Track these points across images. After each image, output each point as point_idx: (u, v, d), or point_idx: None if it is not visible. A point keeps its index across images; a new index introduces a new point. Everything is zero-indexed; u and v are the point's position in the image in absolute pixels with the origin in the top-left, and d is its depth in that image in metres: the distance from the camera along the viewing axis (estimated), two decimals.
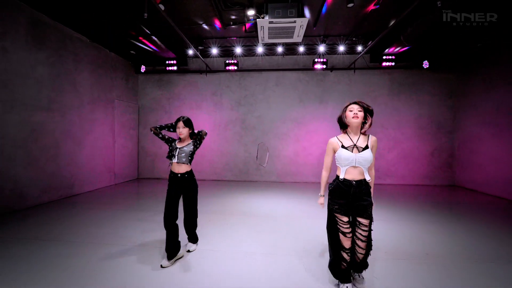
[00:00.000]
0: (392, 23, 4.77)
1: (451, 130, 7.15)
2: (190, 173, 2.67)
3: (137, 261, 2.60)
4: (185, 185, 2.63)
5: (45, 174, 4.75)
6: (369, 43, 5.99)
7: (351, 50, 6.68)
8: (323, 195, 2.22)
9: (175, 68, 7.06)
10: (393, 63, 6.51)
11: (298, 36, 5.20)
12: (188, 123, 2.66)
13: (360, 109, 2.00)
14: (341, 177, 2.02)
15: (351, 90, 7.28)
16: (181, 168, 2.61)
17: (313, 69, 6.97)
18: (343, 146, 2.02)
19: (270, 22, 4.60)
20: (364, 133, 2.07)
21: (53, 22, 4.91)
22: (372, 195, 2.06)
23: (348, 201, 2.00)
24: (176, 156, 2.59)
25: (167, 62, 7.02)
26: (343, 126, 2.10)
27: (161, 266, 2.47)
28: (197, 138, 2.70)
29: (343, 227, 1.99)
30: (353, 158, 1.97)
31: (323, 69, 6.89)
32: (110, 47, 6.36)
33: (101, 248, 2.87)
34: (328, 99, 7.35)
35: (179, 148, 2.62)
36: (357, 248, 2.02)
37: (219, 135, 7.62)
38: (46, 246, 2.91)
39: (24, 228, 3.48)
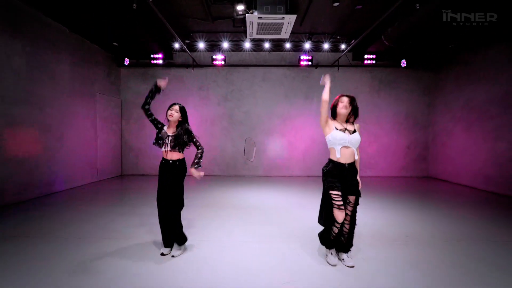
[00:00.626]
0: (374, 23, 5.02)
1: (426, 125, 7.66)
2: (182, 161, 2.59)
3: (132, 253, 2.60)
4: (176, 172, 2.54)
5: (23, 171, 4.51)
6: (352, 41, 6.24)
7: (335, 48, 6.92)
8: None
9: (160, 62, 6.92)
10: (374, 61, 6.84)
11: (285, 32, 5.32)
12: (183, 111, 2.59)
13: (349, 102, 2.33)
14: (335, 158, 2.30)
15: (335, 86, 7.48)
16: (173, 155, 2.53)
17: (299, 65, 7.13)
18: (336, 129, 2.29)
19: (259, 18, 4.66)
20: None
21: (31, 10, 4.63)
22: (358, 174, 2.37)
23: (341, 180, 2.27)
24: (168, 144, 2.51)
25: (152, 55, 6.85)
26: (334, 114, 2.40)
27: (162, 254, 2.50)
28: (187, 134, 2.54)
29: (337, 201, 2.22)
30: (347, 139, 2.25)
31: (308, 65, 7.08)
32: (92, 38, 6.10)
33: (93, 243, 2.83)
34: (313, 96, 7.57)
35: (170, 135, 2.52)
36: (346, 219, 2.32)
37: (206, 130, 7.60)
38: (33, 243, 2.81)
39: (5, 225, 3.32)
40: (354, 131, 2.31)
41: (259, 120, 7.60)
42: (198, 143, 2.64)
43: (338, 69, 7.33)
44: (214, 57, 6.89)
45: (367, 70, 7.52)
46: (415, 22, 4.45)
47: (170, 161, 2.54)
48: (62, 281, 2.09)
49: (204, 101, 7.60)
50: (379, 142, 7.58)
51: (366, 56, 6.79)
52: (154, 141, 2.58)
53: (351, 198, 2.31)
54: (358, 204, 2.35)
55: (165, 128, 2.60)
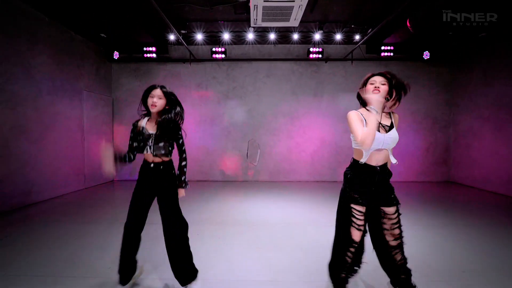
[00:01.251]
0: (397, 7, 4.33)
1: (446, 125, 6.97)
2: (168, 164, 1.94)
3: None
4: (160, 180, 1.90)
5: None
6: (369, 31, 5.54)
7: (348, 39, 6.22)
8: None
9: (154, 55, 6.25)
10: (391, 54, 6.14)
11: (295, 19, 4.63)
12: (168, 95, 1.90)
13: (384, 82, 1.65)
14: (363, 161, 1.69)
15: (347, 82, 6.86)
16: (157, 158, 1.92)
17: (307, 59, 6.45)
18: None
19: (266, 0, 3.98)
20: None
21: None
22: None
23: (371, 190, 1.69)
24: (152, 147, 1.88)
25: (145, 48, 6.18)
26: (363, 102, 1.76)
27: None
28: (169, 124, 1.88)
29: (358, 218, 1.69)
30: (382, 140, 1.63)
31: (318, 59, 6.40)
32: (76, 29, 5.44)
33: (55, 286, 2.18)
34: (323, 92, 6.88)
35: (154, 134, 1.89)
36: (390, 247, 1.72)
37: (205, 131, 6.93)
38: None
39: None
40: (391, 126, 1.69)
41: (264, 120, 6.93)
42: (183, 147, 2.00)
43: (352, 62, 6.63)
44: (213, 49, 6.22)
45: (382, 64, 6.81)
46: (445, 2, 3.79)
47: (152, 165, 1.91)
48: None
49: (203, 99, 6.93)
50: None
51: (383, 48, 6.09)
52: (133, 147, 1.94)
53: (388, 210, 1.70)
54: (400, 213, 1.75)
55: (143, 122, 1.93)
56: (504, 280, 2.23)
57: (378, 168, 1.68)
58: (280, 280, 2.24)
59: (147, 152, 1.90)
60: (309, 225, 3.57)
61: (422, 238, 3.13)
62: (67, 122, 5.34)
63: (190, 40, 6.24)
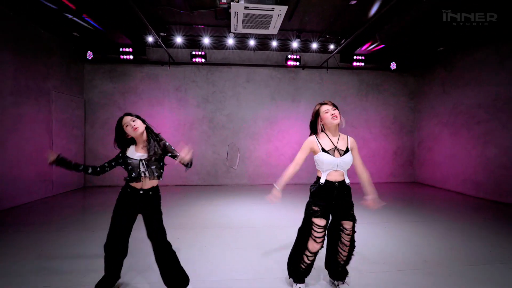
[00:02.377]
0: (368, 21, 4.69)
1: (412, 130, 7.57)
2: (156, 188, 1.96)
3: None
4: (147, 205, 1.91)
5: None
6: (342, 41, 5.92)
7: (323, 48, 6.57)
8: (279, 190, 1.99)
9: (131, 57, 6.09)
10: (362, 64, 6.58)
11: (274, 27, 4.81)
12: (138, 116, 1.94)
13: (334, 108, 1.92)
14: (322, 180, 1.90)
15: (322, 89, 7.20)
16: (148, 184, 1.90)
17: (285, 65, 6.68)
18: (323, 150, 1.89)
19: (246, 8, 4.10)
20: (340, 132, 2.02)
21: None
22: (372, 191, 2.00)
23: (331, 203, 1.91)
24: (147, 171, 1.85)
25: (121, 49, 6.00)
26: (315, 131, 1.99)
27: None
28: (155, 139, 1.94)
29: (317, 231, 1.88)
30: (336, 163, 1.87)
31: (295, 66, 6.66)
32: (44, 25, 5.13)
33: None
34: (301, 98, 7.15)
35: (144, 159, 1.85)
36: (340, 251, 1.99)
37: (184, 135, 6.84)
38: None
39: None
40: (347, 150, 1.91)
41: (243, 124, 7.01)
42: (175, 150, 2.01)
43: (327, 70, 6.99)
44: (193, 53, 6.21)
45: (354, 73, 7.27)
46: (413, 19, 4.18)
47: (141, 191, 1.89)
48: None
49: (181, 103, 6.85)
50: (368, 146, 7.33)
51: (355, 58, 6.51)
52: (129, 177, 1.88)
53: (346, 225, 1.94)
54: (355, 231, 1.99)
55: (128, 152, 1.91)
56: (459, 267, 2.50)
57: (337, 184, 1.88)
58: (262, 277, 2.30)
59: (143, 176, 1.86)
60: (289, 227, 3.68)
61: (391, 233, 3.39)
62: (32, 124, 4.97)
63: (169, 43, 6.17)
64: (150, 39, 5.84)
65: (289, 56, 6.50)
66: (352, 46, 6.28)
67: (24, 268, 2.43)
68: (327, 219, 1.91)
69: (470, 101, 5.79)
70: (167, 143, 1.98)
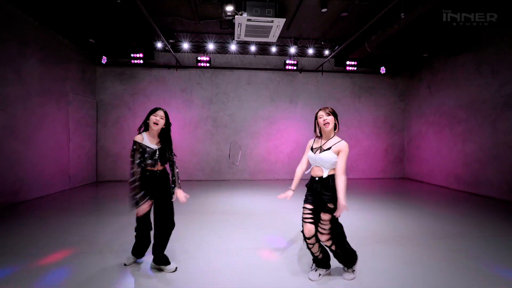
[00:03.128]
0: (358, 31, 5.23)
1: (401, 129, 8.13)
2: (165, 170, 2.34)
3: (123, 269, 2.37)
4: (162, 184, 2.26)
5: None
6: (336, 47, 6.46)
7: (319, 54, 7.10)
8: (293, 190, 2.27)
9: (141, 61, 6.59)
10: (355, 68, 7.13)
11: (273, 36, 5.34)
12: (167, 116, 2.31)
13: (328, 114, 2.11)
14: (306, 172, 2.27)
15: (318, 91, 7.73)
16: (159, 166, 2.27)
17: (284, 69, 7.21)
18: (312, 148, 2.19)
19: (248, 20, 4.63)
20: (337, 136, 2.17)
21: None
22: (341, 197, 1.96)
23: (313, 194, 2.13)
24: (159, 160, 2.22)
25: (132, 55, 6.50)
26: (320, 132, 2.21)
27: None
28: (168, 142, 2.32)
29: (304, 214, 2.13)
30: (314, 158, 2.12)
31: (293, 70, 7.18)
32: (64, 33, 5.63)
33: (72, 259, 2.54)
34: (298, 99, 7.68)
35: (158, 148, 2.23)
36: (320, 237, 2.10)
37: (189, 134, 7.34)
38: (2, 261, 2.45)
39: None
40: (328, 149, 2.06)
41: (244, 124, 7.53)
42: (173, 154, 2.38)
43: (322, 74, 7.53)
44: (199, 58, 6.72)
45: (348, 76, 7.81)
46: (397, 31, 4.71)
47: (158, 172, 2.25)
48: None
49: (187, 103, 7.35)
50: (360, 145, 7.87)
51: (348, 63, 7.05)
52: (144, 163, 2.17)
53: (322, 215, 2.06)
54: (336, 224, 2.10)
55: (144, 141, 2.21)
56: (426, 240, 3.03)
57: (317, 178, 2.10)
58: (263, 246, 2.81)
59: (156, 163, 2.20)
60: (288, 212, 4.20)
61: (375, 217, 3.92)
62: (53, 123, 5.46)
63: (176, 48, 6.68)
64: (159, 45, 6.34)
65: (287, 61, 7.03)
66: (346, 52, 6.83)
67: (52, 251, 2.93)
68: (314, 205, 2.11)
69: (452, 102, 6.35)
70: (173, 153, 2.38)
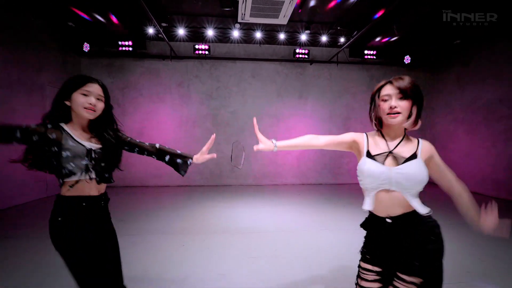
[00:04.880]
0: (382, 11, 4.38)
1: (424, 128, 7.24)
2: (106, 195, 1.36)
3: None
4: (104, 216, 1.33)
5: None
6: (355, 33, 5.60)
7: (333, 42, 6.25)
8: (273, 143, 1.33)
9: (130, 49, 5.75)
10: (374, 57, 6.27)
11: (284, 16, 4.51)
12: (107, 92, 1.32)
13: (400, 95, 1.12)
14: (367, 208, 1.17)
15: (331, 85, 6.88)
16: (101, 187, 1.31)
17: (293, 59, 6.37)
18: (369, 154, 1.18)
19: None
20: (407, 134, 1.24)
21: None
22: (479, 215, 1.15)
23: (383, 246, 1.15)
24: (93, 169, 1.23)
25: (120, 42, 5.66)
26: (380, 123, 1.24)
27: None
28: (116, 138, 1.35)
29: (363, 276, 1.19)
30: (386, 175, 1.11)
31: (303, 59, 6.34)
32: (36, 13, 4.78)
33: None
34: (308, 95, 6.84)
35: (95, 150, 1.24)
36: None
37: (186, 133, 6.51)
38: None
39: None
40: (413, 157, 1.13)
41: (249, 122, 6.68)
42: (138, 141, 1.42)
43: (337, 65, 6.67)
44: (196, 46, 5.88)
45: (364, 68, 6.95)
46: (429, 12, 3.90)
47: (101, 197, 1.30)
48: None
49: (184, 99, 6.52)
50: None
51: (366, 52, 6.20)
52: (62, 172, 1.18)
53: (408, 278, 1.07)
54: None
55: (66, 133, 1.20)
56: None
57: (389, 220, 1.13)
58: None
59: (85, 177, 1.21)
60: (302, 231, 3.36)
61: None
62: (24, 120, 4.57)
63: (171, 35, 5.84)
64: (150, 30, 5.51)
65: (297, 50, 6.19)
66: (364, 39, 5.97)
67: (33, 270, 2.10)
68: (383, 267, 1.17)
69: (489, 96, 5.48)
70: (129, 139, 1.42)
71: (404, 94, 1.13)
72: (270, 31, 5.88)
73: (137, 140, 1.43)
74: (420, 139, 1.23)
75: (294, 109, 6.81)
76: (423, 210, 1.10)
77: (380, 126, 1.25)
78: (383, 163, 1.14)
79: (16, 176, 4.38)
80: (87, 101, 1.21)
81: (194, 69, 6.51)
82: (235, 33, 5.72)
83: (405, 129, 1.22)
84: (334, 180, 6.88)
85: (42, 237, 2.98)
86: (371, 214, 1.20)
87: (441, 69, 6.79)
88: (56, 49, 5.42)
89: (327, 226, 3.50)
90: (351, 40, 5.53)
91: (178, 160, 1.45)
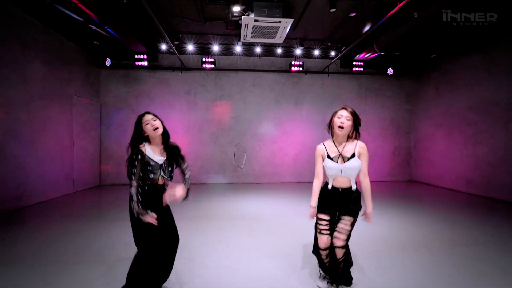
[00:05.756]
0: (366, 30, 5.13)
1: (408, 131, 8.00)
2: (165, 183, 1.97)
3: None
4: (162, 198, 1.90)
5: None
6: (343, 48, 6.36)
7: (324, 55, 7.01)
8: (314, 207, 2.01)
9: (145, 63, 6.51)
10: (361, 69, 7.02)
11: (280, 37, 5.25)
12: (158, 117, 1.92)
13: (348, 117, 1.89)
14: (329, 186, 1.97)
15: (324, 93, 7.63)
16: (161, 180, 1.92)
17: (289, 71, 7.12)
18: (328, 156, 1.93)
19: (255, 21, 4.54)
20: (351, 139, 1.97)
21: None
22: (369, 204, 1.94)
23: (332, 205, 1.96)
24: (166, 173, 1.89)
25: (136, 56, 6.43)
26: (332, 132, 1.99)
27: None
28: (175, 150, 1.98)
29: (320, 225, 1.96)
30: (339, 169, 1.89)
31: (298, 71, 7.09)
32: (68, 35, 5.56)
33: (75, 268, 2.43)
34: (303, 101, 7.58)
35: (163, 162, 1.87)
36: (336, 242, 1.88)
37: (194, 137, 7.25)
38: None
39: None
40: (352, 156, 1.89)
41: (249, 126, 7.43)
42: (186, 164, 2.06)
43: (328, 75, 7.43)
44: (203, 59, 6.64)
45: (354, 78, 7.71)
46: (407, 31, 4.61)
47: (159, 186, 1.89)
48: None
49: (191, 106, 7.27)
50: (367, 147, 7.73)
51: (354, 63, 6.95)
52: (148, 176, 1.81)
53: (345, 218, 1.90)
54: (352, 227, 1.90)
55: (146, 151, 1.83)
56: (447, 249, 2.91)
57: (340, 190, 1.92)
58: (274, 255, 2.70)
59: (161, 178, 1.87)
60: (296, 217, 4.08)
61: (388, 223, 3.79)
62: (57, 126, 5.38)
63: (181, 50, 6.60)
64: (163, 46, 6.27)
65: (293, 62, 6.94)
66: (352, 53, 6.72)
67: (56, 261, 2.83)
68: (331, 216, 1.96)
69: (461, 103, 6.22)
70: (184, 159, 2.06)
71: (349, 117, 1.92)
72: (269, 46, 6.64)
73: (186, 165, 2.05)
74: (358, 142, 1.97)
75: (290, 115, 7.55)
76: (354, 187, 1.96)
77: (332, 134, 2.02)
78: (337, 161, 1.93)
79: (48, 175, 5.12)
80: (148, 127, 1.85)
81: (200, 79, 7.27)
82: (238, 48, 6.48)
83: (348, 136, 1.96)
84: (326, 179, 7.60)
85: (68, 227, 3.72)
86: (329, 187, 1.98)
87: (422, 78, 7.54)
88: (81, 64, 6.18)
89: None
90: (339, 55, 6.28)
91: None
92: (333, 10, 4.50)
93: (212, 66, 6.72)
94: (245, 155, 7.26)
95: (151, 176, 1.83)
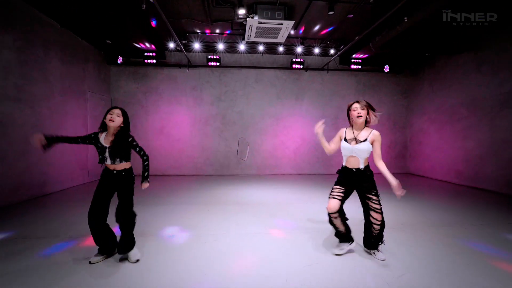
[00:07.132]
0: (363, 32, 5.46)
1: (404, 126, 8.36)
2: (128, 171, 2.33)
3: (147, 246, 2.68)
4: (120, 182, 2.29)
5: (14, 172, 4.31)
6: (341, 47, 6.68)
7: (324, 53, 7.33)
8: (321, 133, 2.43)
9: (154, 61, 6.87)
10: (359, 66, 7.35)
11: (282, 37, 5.60)
12: (126, 115, 2.31)
13: (362, 107, 2.33)
14: (344, 164, 2.44)
15: (323, 89, 7.98)
16: (119, 166, 2.28)
17: (290, 68, 7.46)
18: (345, 139, 2.39)
19: (259, 22, 4.89)
20: (368, 127, 2.40)
21: (21, 3, 4.44)
22: (392, 178, 2.27)
23: (349, 183, 2.37)
24: (109, 158, 2.22)
25: (145, 54, 6.78)
26: (352, 122, 2.43)
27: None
28: (123, 141, 2.25)
29: (333, 191, 2.36)
30: (350, 149, 2.32)
31: (299, 68, 7.43)
32: (82, 35, 5.91)
33: None
34: (304, 97, 7.93)
35: (108, 147, 2.22)
36: (372, 219, 2.33)
37: (199, 130, 7.64)
38: (34, 244, 2.77)
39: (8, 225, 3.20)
40: (364, 141, 2.29)
41: (252, 121, 7.81)
42: (142, 152, 2.38)
43: (327, 72, 7.76)
44: (209, 57, 6.98)
45: (352, 74, 8.04)
46: (400, 32, 4.94)
47: (114, 171, 2.27)
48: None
49: (197, 101, 7.64)
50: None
51: (353, 61, 7.28)
52: (99, 160, 2.26)
53: (372, 197, 2.33)
54: (380, 204, 2.32)
55: (100, 138, 2.26)
56: (428, 228, 3.32)
57: (354, 170, 2.33)
58: (278, 231, 3.11)
59: (106, 162, 2.24)
60: (299, 203, 4.50)
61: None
62: (74, 120, 5.78)
63: (187, 48, 6.94)
64: (171, 45, 6.61)
65: (294, 60, 7.27)
66: (350, 52, 7.05)
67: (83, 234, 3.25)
68: (344, 187, 2.36)
69: (453, 100, 6.57)
70: (137, 148, 2.35)
71: (363, 107, 2.36)
72: (271, 45, 6.96)
73: (141, 153, 2.38)
74: (373, 130, 2.36)
75: (291, 110, 7.92)
76: (362, 167, 2.36)
77: (351, 124, 2.47)
78: (350, 143, 2.36)
79: (65, 165, 5.54)
80: (107, 117, 2.26)
81: (206, 75, 7.63)
82: (242, 46, 6.82)
83: (365, 124, 2.38)
84: (325, 171, 8.01)
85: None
86: (344, 167, 2.42)
87: (418, 75, 7.86)
88: (94, 62, 6.54)
89: (314, 200, 4.64)
90: (337, 54, 6.61)
91: (145, 174, 2.43)
92: (331, 13, 4.83)
93: (217, 63, 7.06)
94: (248, 148, 7.66)
95: (100, 157, 2.25)
